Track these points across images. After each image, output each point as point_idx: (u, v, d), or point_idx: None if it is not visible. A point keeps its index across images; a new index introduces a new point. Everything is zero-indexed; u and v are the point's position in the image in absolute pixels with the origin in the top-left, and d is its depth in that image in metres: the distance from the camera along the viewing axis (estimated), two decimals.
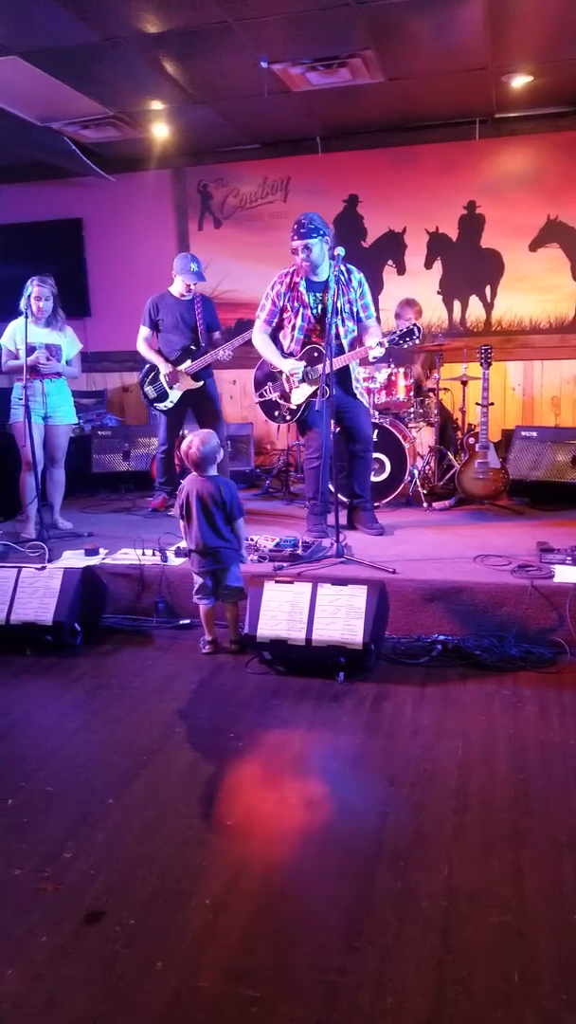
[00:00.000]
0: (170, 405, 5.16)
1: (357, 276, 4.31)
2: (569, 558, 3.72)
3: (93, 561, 4.14)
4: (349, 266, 4.31)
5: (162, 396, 5.15)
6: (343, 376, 4.34)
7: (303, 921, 1.93)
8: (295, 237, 4.16)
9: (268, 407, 4.65)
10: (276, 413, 4.60)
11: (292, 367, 4.33)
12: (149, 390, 5.19)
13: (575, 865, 2.08)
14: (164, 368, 5.08)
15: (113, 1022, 1.65)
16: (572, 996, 1.68)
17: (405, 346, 4.51)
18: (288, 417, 4.53)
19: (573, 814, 2.29)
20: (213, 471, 3.58)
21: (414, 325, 4.36)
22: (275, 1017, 1.65)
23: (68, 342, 4.83)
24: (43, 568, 3.81)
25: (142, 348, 5.19)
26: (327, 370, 3.95)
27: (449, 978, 1.73)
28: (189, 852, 2.19)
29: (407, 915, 1.93)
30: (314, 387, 4.26)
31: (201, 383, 5.14)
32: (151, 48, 4.51)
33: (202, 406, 5.21)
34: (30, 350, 4.59)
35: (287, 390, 4.44)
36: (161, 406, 5.19)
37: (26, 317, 4.54)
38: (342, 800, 2.46)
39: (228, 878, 2.07)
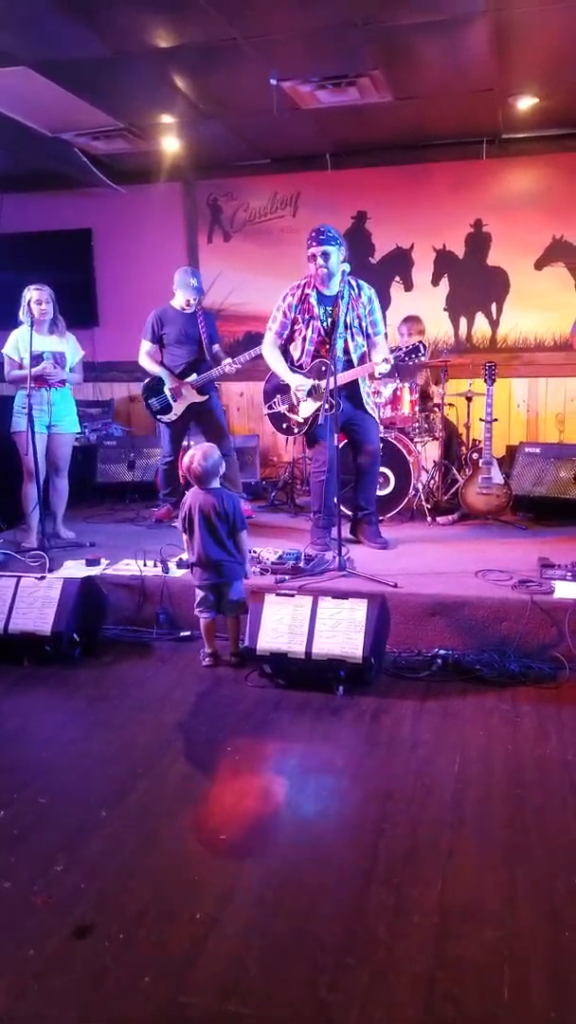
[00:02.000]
0: (174, 417, 5.18)
1: (367, 292, 4.33)
2: (569, 574, 3.71)
3: (94, 571, 4.14)
4: (360, 282, 4.33)
5: (166, 408, 5.17)
6: (353, 391, 4.35)
7: (295, 937, 1.91)
8: (313, 243, 4.17)
9: (277, 419, 4.66)
10: (285, 425, 4.61)
11: (299, 383, 4.34)
12: (153, 402, 5.21)
13: (569, 882, 2.06)
14: (169, 381, 5.11)
15: None
16: (561, 1012, 1.66)
17: (411, 363, 4.52)
18: (296, 430, 4.53)
19: (569, 831, 2.27)
20: (216, 484, 3.58)
21: (420, 343, 4.37)
22: None
23: (71, 348, 4.85)
24: (43, 578, 3.81)
25: (145, 362, 5.22)
26: (330, 385, 3.97)
27: (440, 994, 1.72)
28: (181, 866, 2.18)
29: (400, 931, 1.91)
30: (320, 401, 4.28)
31: (206, 396, 5.16)
32: (162, 63, 4.56)
33: (206, 419, 5.23)
34: (37, 359, 4.60)
35: (295, 403, 4.45)
36: (165, 418, 5.21)
37: (30, 325, 4.55)
38: (338, 815, 2.45)
39: (220, 893, 2.06)
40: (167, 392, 5.14)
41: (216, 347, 5.21)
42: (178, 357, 5.15)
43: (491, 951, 1.84)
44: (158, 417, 5.24)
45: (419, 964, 1.80)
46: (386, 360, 4.23)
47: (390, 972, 1.78)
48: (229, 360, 5.01)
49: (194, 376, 5.10)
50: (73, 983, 1.78)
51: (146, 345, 5.21)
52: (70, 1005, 1.72)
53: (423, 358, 4.39)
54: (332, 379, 3.97)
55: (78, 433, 5.16)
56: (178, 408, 5.15)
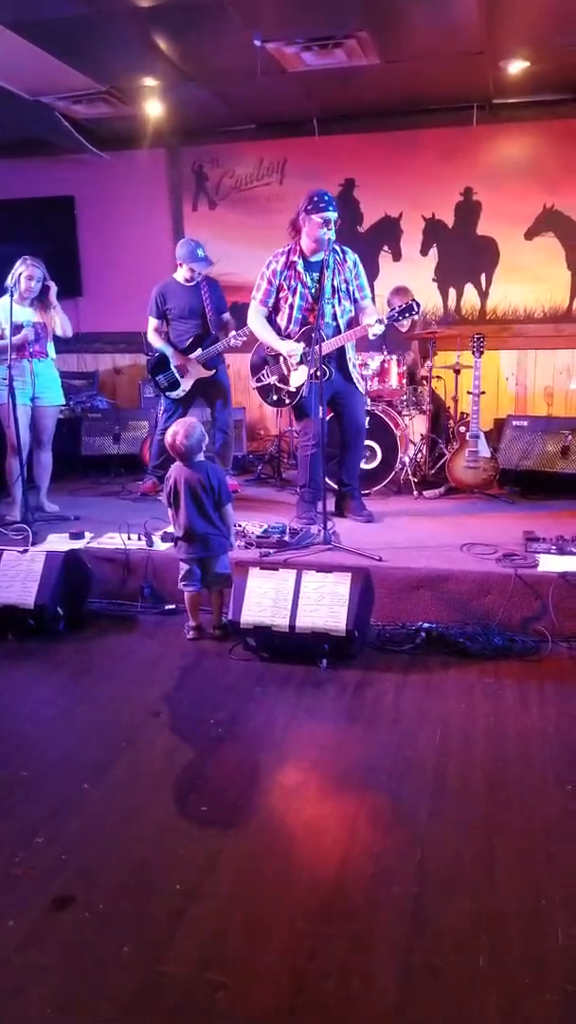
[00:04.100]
0: (182, 394, 5.13)
1: (352, 256, 4.27)
2: (554, 547, 3.72)
3: (78, 545, 4.12)
4: (344, 247, 4.27)
5: (174, 384, 5.12)
6: (340, 360, 4.31)
7: (274, 908, 1.92)
8: (328, 208, 4.04)
9: (265, 391, 4.60)
10: (275, 397, 4.54)
11: (291, 348, 4.28)
12: (160, 379, 5.15)
13: (548, 852, 2.08)
14: (174, 358, 5.05)
15: (80, 1007, 1.65)
16: (535, 980, 1.68)
17: (404, 321, 4.47)
18: (287, 400, 4.47)
19: (548, 802, 2.29)
20: (200, 458, 3.56)
21: (413, 301, 4.31)
22: (242, 1003, 1.65)
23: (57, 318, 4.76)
24: (25, 551, 3.78)
25: (152, 339, 5.16)
26: (321, 352, 3.93)
27: (418, 964, 1.73)
28: (163, 838, 2.19)
29: (378, 901, 1.93)
30: (313, 369, 4.22)
31: (213, 371, 5.10)
32: (143, 22, 4.43)
33: (213, 392, 5.19)
34: (16, 328, 4.54)
35: (285, 373, 4.39)
36: (173, 394, 5.16)
37: (11, 295, 4.48)
38: (319, 787, 2.46)
39: (201, 864, 2.07)
40: (173, 369, 5.08)
41: (226, 315, 5.14)
42: (183, 332, 5.09)
43: (469, 921, 1.86)
44: (167, 394, 5.18)
45: (397, 934, 1.82)
46: (380, 321, 4.17)
47: (368, 942, 1.80)
48: (235, 332, 4.94)
49: (198, 351, 5.04)
50: (53, 954, 1.79)
51: (152, 322, 5.15)
52: (50, 976, 1.73)
53: (416, 316, 4.34)
54: (319, 346, 3.93)
55: (62, 405, 5.10)
56: (186, 384, 5.10)
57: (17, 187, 6.97)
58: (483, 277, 6.24)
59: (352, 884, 1.99)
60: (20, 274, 4.57)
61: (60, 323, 4.75)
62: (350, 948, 1.79)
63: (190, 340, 5.06)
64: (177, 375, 5.08)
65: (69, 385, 6.74)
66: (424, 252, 6.31)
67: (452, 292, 6.33)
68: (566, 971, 1.71)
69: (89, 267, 7.05)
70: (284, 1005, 1.64)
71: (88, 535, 4.27)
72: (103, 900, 1.95)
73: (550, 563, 3.57)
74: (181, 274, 5.06)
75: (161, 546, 4.02)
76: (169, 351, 5.06)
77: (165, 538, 4.05)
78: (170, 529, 3.81)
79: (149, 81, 5.39)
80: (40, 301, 4.69)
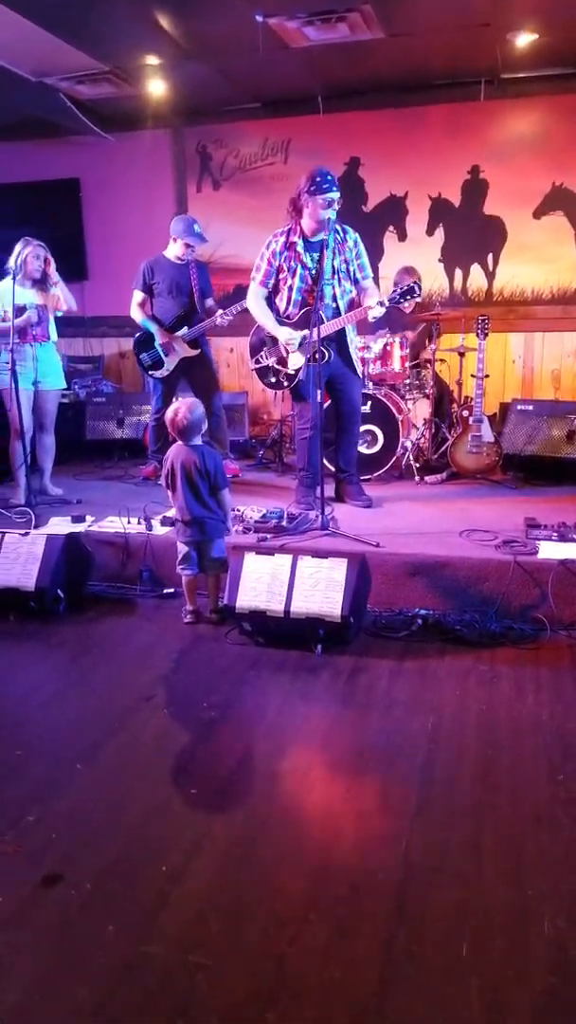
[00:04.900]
0: (166, 373, 5.09)
1: (353, 236, 4.21)
2: (555, 534, 3.68)
3: (79, 528, 4.13)
4: (345, 226, 4.21)
5: (158, 363, 5.08)
6: (340, 343, 4.26)
7: (259, 892, 1.93)
8: (332, 188, 3.99)
9: (264, 373, 4.56)
10: (274, 379, 4.50)
11: (288, 336, 4.23)
12: (144, 357, 5.11)
13: (536, 842, 2.08)
14: (159, 336, 5.01)
15: (58, 987, 1.67)
16: (519, 971, 1.68)
17: (405, 303, 4.42)
18: (286, 383, 4.43)
19: (538, 791, 2.28)
20: (198, 440, 3.54)
21: (415, 283, 4.25)
22: (221, 985, 1.66)
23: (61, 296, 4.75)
24: (26, 534, 3.79)
25: (135, 313, 5.11)
26: (319, 335, 3.88)
27: (400, 951, 1.74)
28: (152, 820, 2.20)
29: (362, 887, 1.93)
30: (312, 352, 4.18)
31: (198, 351, 5.07)
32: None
33: (197, 373, 5.14)
34: (20, 310, 4.52)
35: (284, 355, 4.36)
36: (157, 373, 5.12)
37: (13, 277, 4.46)
38: (308, 773, 2.46)
39: (188, 847, 2.08)
40: (158, 347, 5.04)
41: (209, 300, 5.09)
42: (168, 310, 5.04)
43: (453, 909, 1.86)
44: (150, 372, 5.15)
45: (379, 921, 1.82)
46: (380, 303, 4.12)
47: (350, 928, 1.80)
48: (221, 312, 4.90)
49: (185, 329, 5.00)
50: (38, 932, 1.80)
51: (137, 296, 5.09)
52: (34, 954, 1.74)
53: (418, 299, 4.28)
54: (318, 328, 3.89)
55: (64, 389, 5.10)
56: (170, 363, 5.06)
57: (22, 170, 6.93)
58: (490, 257, 6.15)
59: (337, 870, 2.00)
60: (25, 254, 4.54)
61: (64, 298, 4.74)
62: (333, 934, 1.79)
63: (175, 318, 5.01)
64: (161, 353, 5.03)
65: (74, 369, 6.75)
66: (430, 232, 6.23)
67: (458, 273, 6.24)
68: (550, 962, 1.70)
69: (94, 250, 7.02)
70: (265, 989, 1.65)
71: (89, 519, 4.28)
72: (90, 880, 1.96)
73: (550, 550, 3.53)
74: (172, 250, 5.01)
75: (160, 530, 4.02)
76: (155, 328, 5.01)
77: (164, 522, 4.05)
78: (170, 513, 3.81)
79: (152, 60, 5.33)
80: (41, 283, 4.67)
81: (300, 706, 2.85)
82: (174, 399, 5.13)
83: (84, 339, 7.12)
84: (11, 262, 4.52)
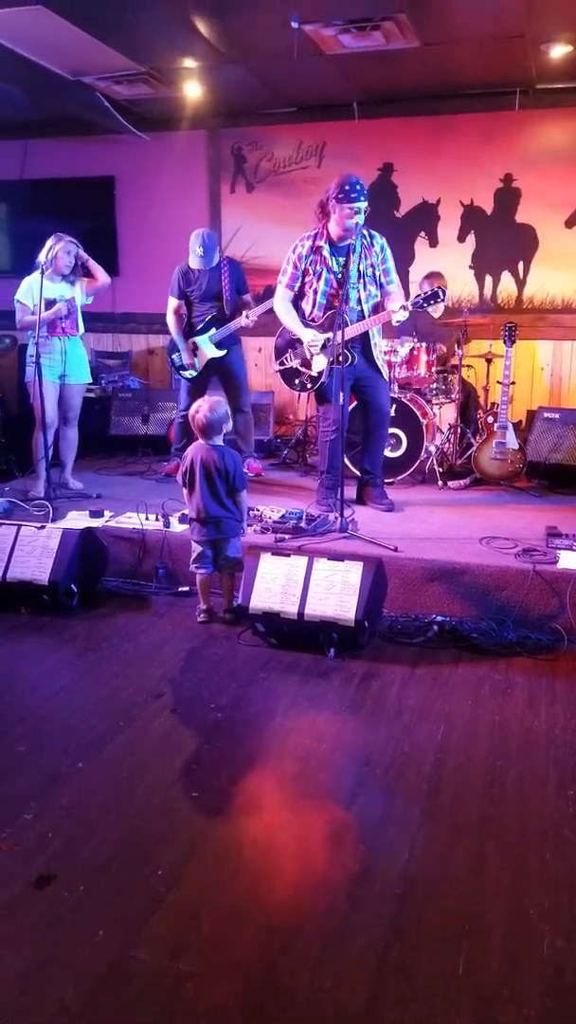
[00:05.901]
0: (194, 373, 5.12)
1: (380, 241, 4.19)
2: None
3: (96, 523, 4.13)
4: (372, 231, 4.19)
5: (187, 364, 5.11)
6: (365, 345, 4.23)
7: (253, 898, 1.90)
8: (360, 198, 3.98)
9: (289, 375, 4.55)
10: (297, 381, 4.49)
11: (312, 338, 4.22)
12: (175, 357, 5.17)
13: (540, 857, 2.02)
14: (185, 355, 5.05)
15: (43, 989, 1.64)
16: (514, 989, 1.63)
17: (429, 308, 4.37)
18: (309, 385, 4.41)
19: (546, 805, 2.22)
20: (219, 440, 3.53)
21: (439, 288, 4.21)
22: (208, 992, 1.62)
23: (79, 292, 4.78)
24: (42, 527, 3.80)
25: (170, 320, 5.14)
26: (344, 337, 3.85)
27: (392, 964, 1.69)
28: (150, 821, 2.17)
29: (360, 898, 1.88)
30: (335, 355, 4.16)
31: (224, 352, 5.07)
32: (181, 3, 4.38)
33: (226, 375, 5.15)
34: (49, 304, 4.55)
35: (308, 357, 4.34)
36: (186, 374, 5.15)
37: (42, 272, 4.49)
38: (312, 779, 2.42)
39: (185, 850, 2.05)
40: (183, 352, 5.07)
41: (246, 296, 5.11)
42: (201, 313, 5.07)
43: (450, 924, 1.81)
44: (180, 373, 5.19)
45: (374, 933, 1.78)
46: (404, 307, 4.09)
47: (344, 939, 1.76)
48: (246, 312, 4.90)
49: (213, 331, 5.01)
50: (27, 930, 1.79)
51: (172, 302, 5.11)
52: (21, 952, 1.72)
53: (442, 304, 4.23)
54: (342, 331, 3.86)
55: (90, 383, 5.12)
56: (198, 365, 5.08)
57: (59, 166, 6.99)
58: (521, 265, 6.07)
59: (335, 880, 1.96)
60: (57, 249, 4.57)
61: (98, 274, 4.75)
62: (325, 945, 1.75)
63: (206, 322, 5.03)
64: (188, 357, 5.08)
65: (103, 364, 6.78)
66: (461, 239, 6.16)
67: (488, 280, 6.17)
68: (547, 983, 1.65)
69: (126, 247, 7.05)
70: (252, 997, 1.61)
71: (108, 514, 4.28)
72: (84, 880, 1.94)
73: (570, 560, 3.46)
74: (192, 262, 5.02)
75: (178, 527, 4.01)
76: (181, 344, 5.06)
77: (182, 520, 4.03)
78: (187, 511, 3.79)
79: (188, 62, 5.33)
80: (71, 276, 4.70)
81: (308, 710, 2.80)
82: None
83: (113, 335, 7.15)
84: (42, 256, 4.56)
